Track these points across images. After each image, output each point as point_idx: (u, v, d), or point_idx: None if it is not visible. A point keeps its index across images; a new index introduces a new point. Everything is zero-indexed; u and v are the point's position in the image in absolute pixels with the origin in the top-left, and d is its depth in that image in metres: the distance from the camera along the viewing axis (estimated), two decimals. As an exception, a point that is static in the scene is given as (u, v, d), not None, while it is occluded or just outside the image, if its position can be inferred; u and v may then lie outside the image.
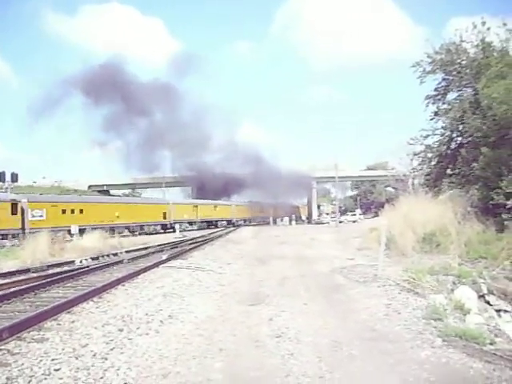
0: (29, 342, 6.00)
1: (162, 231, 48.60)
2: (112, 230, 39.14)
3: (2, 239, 29.67)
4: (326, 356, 5.57)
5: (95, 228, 35.46)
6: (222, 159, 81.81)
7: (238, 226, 61.72)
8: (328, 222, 64.67)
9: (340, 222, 55.70)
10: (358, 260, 15.41)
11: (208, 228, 56.27)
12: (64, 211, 37.39)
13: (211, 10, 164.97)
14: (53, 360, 5.23)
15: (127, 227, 43.90)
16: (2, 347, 5.74)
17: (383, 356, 5.58)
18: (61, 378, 4.74)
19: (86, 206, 39.84)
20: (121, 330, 6.61)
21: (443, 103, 20.12)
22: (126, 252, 20.21)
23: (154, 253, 19.73)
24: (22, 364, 5.11)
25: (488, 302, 9.21)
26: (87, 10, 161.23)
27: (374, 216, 62.24)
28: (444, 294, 8.95)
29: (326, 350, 5.80)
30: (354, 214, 71.81)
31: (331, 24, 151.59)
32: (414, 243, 14.49)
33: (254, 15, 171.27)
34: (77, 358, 5.33)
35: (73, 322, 7.13)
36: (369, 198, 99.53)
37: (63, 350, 5.62)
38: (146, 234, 44.28)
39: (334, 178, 63.71)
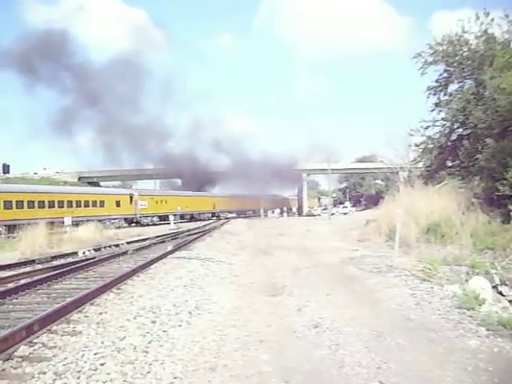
0: (62, 335, 5.79)
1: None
2: (182, 216, 51.54)
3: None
4: (373, 346, 5.43)
5: (175, 214, 45.51)
6: (191, 146, 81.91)
7: (227, 218, 62.82)
8: (319, 215, 64.80)
9: (332, 215, 55.76)
10: (362, 251, 15.38)
11: (200, 220, 56.96)
12: (157, 202, 49.34)
13: (191, 4, 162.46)
14: (95, 354, 5.02)
15: (191, 214, 56.20)
16: (36, 340, 5.53)
17: (431, 345, 5.46)
18: (108, 374, 4.52)
19: (169, 198, 52.04)
20: (154, 322, 6.40)
21: (444, 94, 20.20)
22: (127, 243, 19.96)
23: (155, 244, 19.55)
24: (65, 358, 4.88)
25: (501, 293, 9.21)
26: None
27: (365, 208, 62.52)
28: (459, 284, 8.97)
29: (370, 340, 5.66)
30: (345, 207, 71.90)
31: (314, 16, 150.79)
32: (417, 234, 14.49)
33: (235, 8, 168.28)
34: (119, 352, 5.14)
35: (100, 313, 6.91)
36: (358, 190, 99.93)
37: (102, 343, 5.41)
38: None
39: (325, 170, 63.81)
